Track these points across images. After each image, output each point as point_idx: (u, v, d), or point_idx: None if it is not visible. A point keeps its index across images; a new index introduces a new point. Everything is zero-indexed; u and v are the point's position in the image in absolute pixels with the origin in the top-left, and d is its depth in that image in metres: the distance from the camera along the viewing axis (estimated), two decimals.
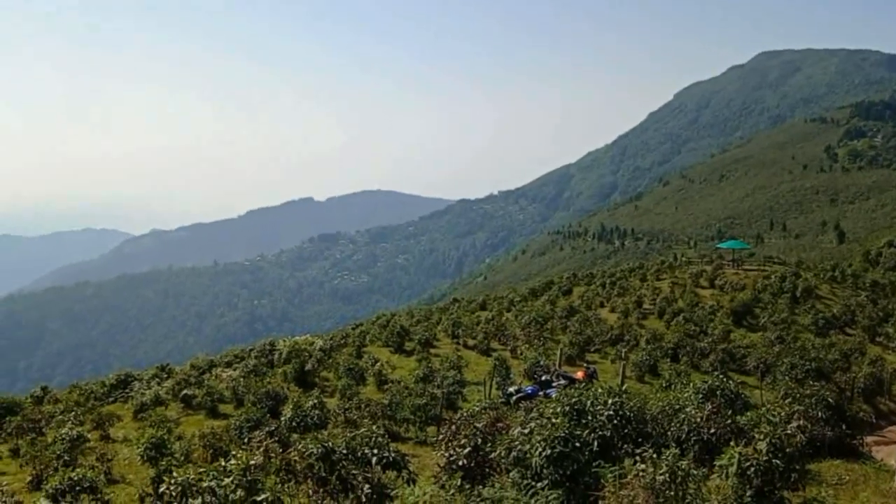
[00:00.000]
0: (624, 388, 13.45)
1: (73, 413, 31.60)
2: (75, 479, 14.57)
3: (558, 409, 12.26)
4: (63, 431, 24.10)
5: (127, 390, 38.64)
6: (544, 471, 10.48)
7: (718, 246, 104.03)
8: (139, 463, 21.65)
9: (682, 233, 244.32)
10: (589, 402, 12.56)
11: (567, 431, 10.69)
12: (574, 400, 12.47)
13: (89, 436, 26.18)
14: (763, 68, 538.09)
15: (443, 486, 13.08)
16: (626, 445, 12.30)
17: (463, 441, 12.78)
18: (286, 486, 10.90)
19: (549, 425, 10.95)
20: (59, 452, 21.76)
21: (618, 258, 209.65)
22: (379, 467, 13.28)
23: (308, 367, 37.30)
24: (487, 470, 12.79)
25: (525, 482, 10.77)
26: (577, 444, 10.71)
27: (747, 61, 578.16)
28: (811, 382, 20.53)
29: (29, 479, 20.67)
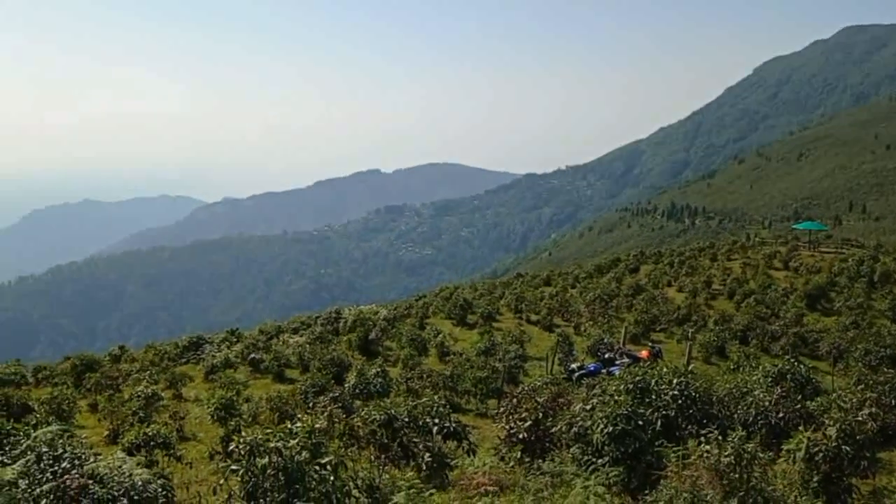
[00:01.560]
0: (690, 368, 13.20)
1: (149, 372, 32.94)
2: (150, 434, 15.18)
3: (621, 387, 12.15)
4: (139, 389, 25.13)
5: (198, 352, 40.00)
6: (605, 447, 10.42)
7: (794, 227, 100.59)
8: (209, 422, 22.42)
9: (757, 212, 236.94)
10: (653, 381, 12.40)
11: (630, 409, 10.58)
12: (638, 378, 12.32)
13: (163, 394, 27.23)
14: (847, 43, 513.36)
15: (502, 458, 13.17)
16: (690, 426, 12.12)
17: (524, 414, 12.80)
18: (349, 450, 11.12)
19: (612, 402, 10.86)
20: (134, 409, 22.70)
21: (687, 237, 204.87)
22: (440, 437, 13.43)
23: (372, 336, 37.85)
24: (547, 444, 12.79)
25: (585, 458, 10.73)
26: (640, 423, 10.59)
27: (831, 36, 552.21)
28: (885, 369, 19.72)
29: (106, 433, 21.65)
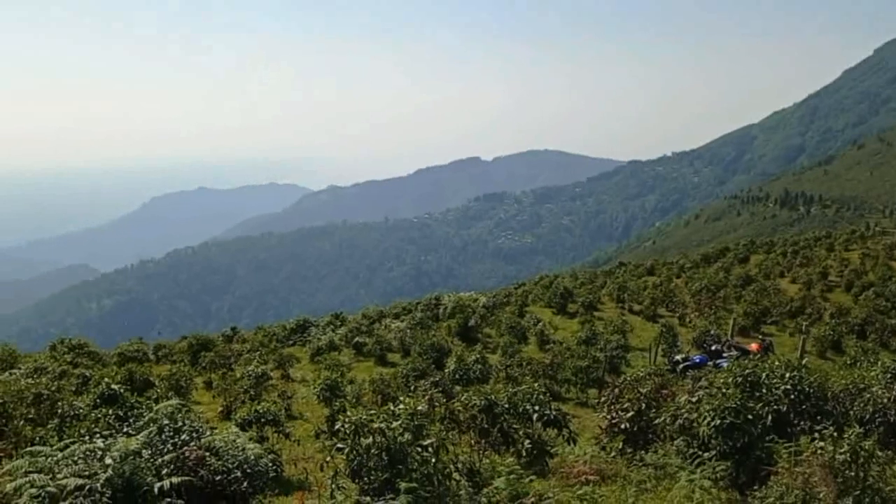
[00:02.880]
0: (804, 362, 12.61)
1: (259, 352, 34.35)
2: (261, 412, 15.84)
3: (729, 380, 11.74)
4: (250, 368, 26.25)
5: (305, 335, 41.43)
6: (712, 441, 10.11)
7: None
8: (315, 402, 23.17)
9: (877, 200, 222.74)
10: (764, 375, 11.91)
11: (739, 403, 10.22)
12: (748, 371, 11.87)
13: (272, 374, 28.37)
14: None
15: (603, 448, 13.02)
16: (802, 422, 11.62)
17: (626, 405, 12.59)
18: (449, 434, 11.27)
19: (720, 395, 10.52)
20: (245, 387, 23.76)
21: (802, 226, 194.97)
22: (540, 424, 13.40)
23: (471, 322, 38.08)
24: (650, 436, 12.55)
25: (691, 451, 10.46)
26: (750, 417, 10.22)
27: None
28: None
29: (220, 409, 22.75)
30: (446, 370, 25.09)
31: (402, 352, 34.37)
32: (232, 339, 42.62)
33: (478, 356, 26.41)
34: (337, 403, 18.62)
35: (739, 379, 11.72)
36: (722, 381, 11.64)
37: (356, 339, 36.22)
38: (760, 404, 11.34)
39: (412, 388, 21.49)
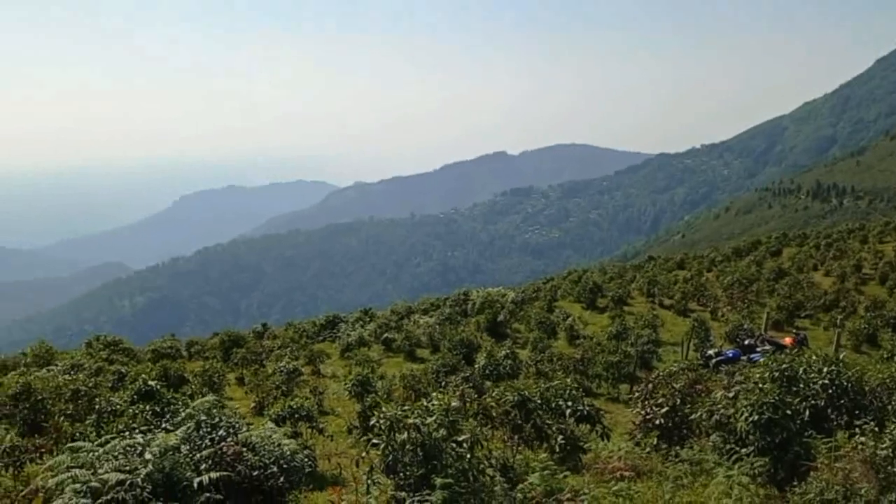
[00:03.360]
0: (841, 357, 12.40)
1: (289, 348, 34.67)
2: (295, 407, 15.98)
3: (766, 375, 11.59)
4: (281, 365, 26.51)
5: (334, 331, 41.68)
6: (750, 437, 9.99)
7: None
8: (346, 397, 23.32)
9: None
10: (801, 370, 11.74)
11: (777, 398, 10.08)
12: (784, 366, 11.71)
13: (303, 370, 28.62)
14: None
15: (637, 444, 12.93)
16: (840, 417, 11.45)
17: (660, 400, 12.48)
18: (482, 430, 11.26)
19: (758, 390, 10.38)
20: (277, 383, 23.98)
21: (834, 218, 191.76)
22: (573, 420, 13.35)
23: (500, 318, 38.04)
24: (685, 431, 12.44)
25: (728, 447, 10.34)
26: (788, 412, 10.08)
27: None
28: None
29: (253, 404, 22.97)
30: (476, 366, 25.09)
31: (431, 347, 34.44)
32: (262, 336, 43.01)
33: (508, 351, 26.36)
34: (368, 399, 18.69)
35: (776, 374, 11.56)
36: (758, 375, 11.50)
37: (385, 334, 36.36)
38: (798, 399, 11.19)
39: (443, 383, 21.53)
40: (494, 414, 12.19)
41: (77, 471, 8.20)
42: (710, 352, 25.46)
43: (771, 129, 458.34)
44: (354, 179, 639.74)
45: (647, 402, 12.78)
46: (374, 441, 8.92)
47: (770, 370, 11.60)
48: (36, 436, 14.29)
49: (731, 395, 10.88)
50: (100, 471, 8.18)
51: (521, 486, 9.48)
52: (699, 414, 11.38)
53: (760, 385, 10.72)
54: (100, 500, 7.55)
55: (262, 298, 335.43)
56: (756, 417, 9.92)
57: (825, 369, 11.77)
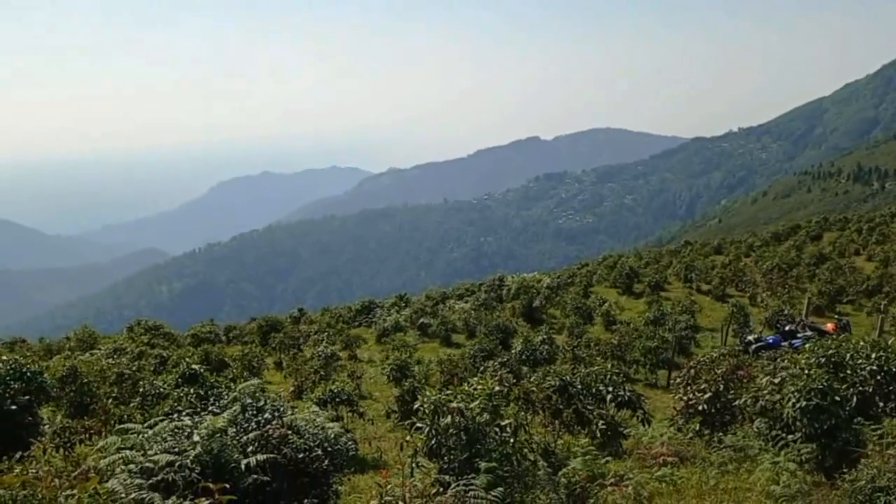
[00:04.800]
0: (890, 342, 12.14)
1: (326, 333, 34.99)
2: (335, 391, 16.14)
3: (812, 360, 11.40)
4: (319, 349, 26.78)
5: (370, 316, 41.97)
6: (797, 423, 9.85)
7: None
8: (384, 382, 23.51)
9: None
10: (848, 356, 11.54)
11: (825, 384, 9.91)
12: (831, 351, 11.51)
13: (340, 354, 28.88)
14: None
15: (679, 430, 12.83)
16: (888, 405, 11.24)
17: (703, 386, 12.36)
18: (525, 415, 11.25)
19: (805, 376, 10.21)
20: (315, 367, 24.23)
21: (876, 202, 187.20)
22: (613, 405, 13.29)
23: (536, 303, 37.95)
24: (728, 417, 12.31)
25: (773, 433, 10.22)
26: (837, 399, 9.90)
27: None
28: None
29: (291, 388, 23.26)
30: (513, 351, 25.09)
31: (466, 333, 34.50)
32: (299, 321, 43.45)
33: (544, 337, 26.32)
34: (406, 384, 18.81)
35: (823, 359, 11.38)
36: (805, 361, 11.32)
37: (421, 320, 36.50)
38: (845, 386, 11.00)
39: (480, 368, 21.56)
40: (535, 399, 12.19)
41: (127, 452, 8.37)
42: (750, 337, 25.13)
43: (810, 111, 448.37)
44: (388, 165, 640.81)
45: (689, 388, 12.66)
46: (418, 425, 8.97)
47: (816, 356, 11.42)
48: (85, 418, 14.63)
49: (776, 381, 10.72)
50: (149, 452, 8.34)
51: (563, 470, 9.48)
52: (744, 400, 11.25)
53: (807, 371, 10.54)
54: (151, 481, 7.70)
55: (298, 283, 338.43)
56: (804, 404, 9.76)
57: (873, 355, 11.55)
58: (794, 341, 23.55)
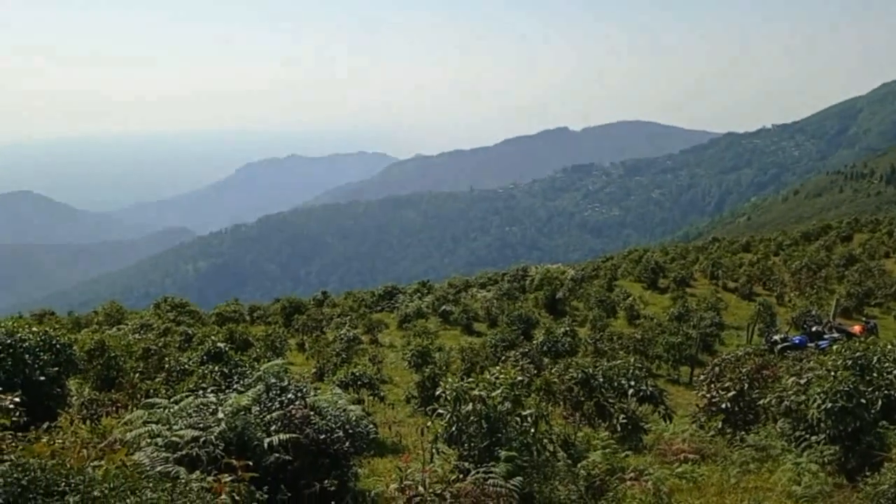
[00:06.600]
0: None
1: (349, 317, 35.19)
2: (357, 374, 16.24)
3: (839, 362, 11.26)
4: (341, 333, 26.94)
5: (392, 301, 42.11)
6: (821, 424, 9.75)
7: None
8: (404, 367, 23.61)
9: None
10: (875, 359, 11.37)
11: (852, 386, 9.79)
12: (858, 354, 11.36)
13: (362, 338, 29.04)
14: None
15: (701, 427, 12.75)
16: None
17: (727, 384, 12.27)
18: (545, 405, 11.26)
19: (831, 378, 10.10)
20: (337, 350, 24.40)
21: None
22: (635, 399, 13.24)
23: (559, 295, 37.83)
24: (751, 416, 12.22)
25: (797, 434, 10.13)
26: (863, 401, 9.79)
27: None
28: None
29: (313, 370, 23.46)
30: (534, 342, 25.06)
31: (488, 322, 34.50)
32: (322, 304, 43.74)
33: (566, 329, 26.25)
34: (427, 370, 18.88)
35: (849, 362, 11.23)
36: (831, 363, 11.19)
37: (443, 307, 36.55)
38: (871, 388, 10.86)
39: (501, 358, 21.58)
40: (556, 390, 12.18)
41: (153, 426, 8.52)
42: (776, 337, 24.89)
43: (844, 110, 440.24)
44: (415, 152, 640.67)
45: (712, 385, 12.58)
46: (440, 411, 9.00)
47: (843, 358, 11.27)
48: (112, 391, 14.87)
49: (802, 381, 10.61)
50: (174, 427, 8.48)
51: (582, 462, 9.48)
52: (768, 399, 11.15)
53: (833, 373, 10.42)
54: (176, 455, 7.83)
55: (321, 267, 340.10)
56: (829, 405, 9.67)
57: None
58: (820, 342, 23.29)
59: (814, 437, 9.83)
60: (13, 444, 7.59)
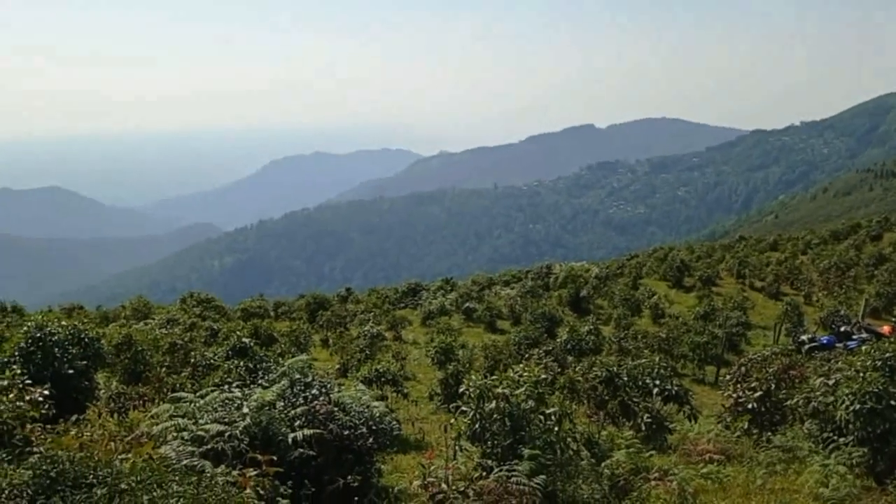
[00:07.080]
0: None
1: (372, 314, 35.31)
2: (380, 371, 16.29)
3: (868, 363, 11.08)
4: (365, 329, 27.03)
5: (416, 298, 42.19)
6: (850, 426, 9.61)
7: None
8: (427, 364, 23.64)
9: None
10: None
11: (881, 387, 9.64)
12: (888, 355, 11.17)
13: (385, 335, 29.12)
14: None
15: (727, 427, 12.62)
16: None
17: (754, 384, 12.13)
18: (570, 404, 11.20)
19: (860, 379, 9.94)
20: (361, 346, 24.50)
21: None
22: (659, 399, 13.14)
23: (583, 293, 37.67)
24: (777, 417, 12.07)
25: (824, 435, 9.99)
26: (892, 403, 9.63)
27: None
28: None
29: (337, 366, 23.57)
30: (558, 340, 24.98)
31: (511, 319, 34.43)
32: (346, 300, 43.93)
33: (591, 327, 26.13)
34: (450, 367, 18.89)
35: (879, 363, 11.05)
36: (860, 363, 11.02)
37: (466, 304, 36.54)
38: None
39: (524, 356, 21.53)
40: (580, 389, 12.12)
41: (179, 420, 8.61)
42: (804, 337, 24.59)
43: (875, 107, 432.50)
44: (439, 148, 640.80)
45: (739, 385, 12.44)
46: (463, 408, 9.01)
47: (872, 358, 11.09)
48: (139, 385, 15.05)
49: (830, 382, 10.46)
50: (200, 421, 8.56)
51: (606, 462, 9.43)
52: (795, 400, 11.01)
53: (863, 374, 10.26)
54: (202, 449, 7.90)
55: (346, 263, 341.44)
56: (857, 407, 9.52)
57: None
58: (849, 343, 22.96)
59: (842, 439, 9.70)
60: (42, 437, 7.74)
